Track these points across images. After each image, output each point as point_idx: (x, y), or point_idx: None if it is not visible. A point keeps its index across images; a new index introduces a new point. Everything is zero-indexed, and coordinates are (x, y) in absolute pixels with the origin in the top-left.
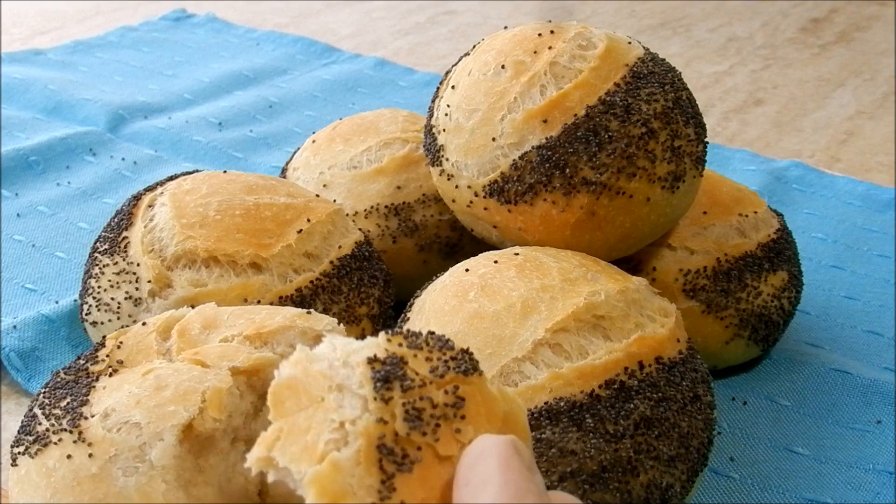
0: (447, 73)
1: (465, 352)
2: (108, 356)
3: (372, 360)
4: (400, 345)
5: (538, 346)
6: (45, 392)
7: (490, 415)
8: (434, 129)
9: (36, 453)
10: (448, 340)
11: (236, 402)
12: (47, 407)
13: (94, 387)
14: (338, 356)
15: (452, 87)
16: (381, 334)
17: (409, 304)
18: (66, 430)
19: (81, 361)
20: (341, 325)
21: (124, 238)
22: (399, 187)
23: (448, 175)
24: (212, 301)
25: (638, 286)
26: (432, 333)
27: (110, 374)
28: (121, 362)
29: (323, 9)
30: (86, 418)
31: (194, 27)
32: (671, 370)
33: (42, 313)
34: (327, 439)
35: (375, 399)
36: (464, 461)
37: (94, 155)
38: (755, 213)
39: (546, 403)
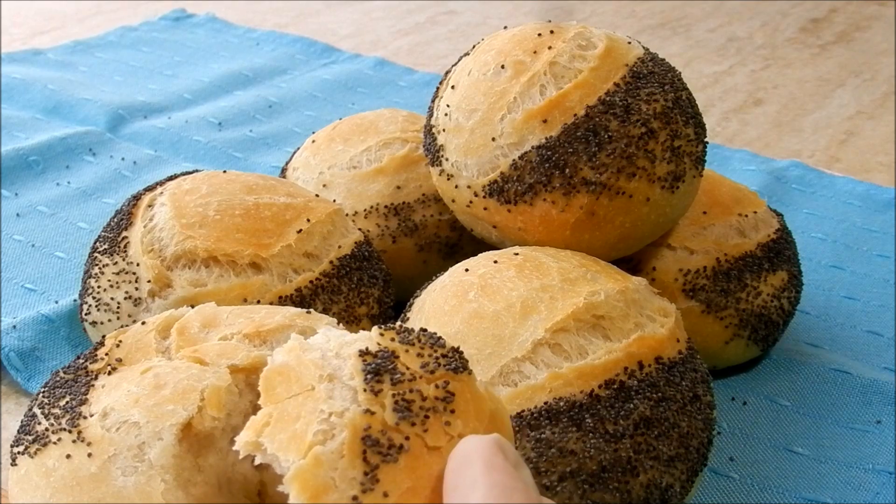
0: (447, 73)
1: (456, 350)
2: (107, 355)
3: (364, 353)
4: (392, 339)
5: (538, 346)
6: (44, 391)
7: (478, 412)
8: (434, 129)
9: (35, 453)
10: (440, 338)
11: (235, 400)
12: (46, 406)
13: (93, 386)
14: (331, 347)
15: (452, 87)
16: (375, 329)
17: (409, 304)
18: (65, 429)
19: (81, 360)
20: (341, 324)
21: (124, 238)
22: (399, 187)
23: (448, 175)
24: (211, 301)
25: (638, 286)
26: (424, 331)
27: (109, 373)
28: (120, 360)
29: (323, 9)
30: (85, 418)
31: (194, 27)
32: (671, 370)
33: (42, 313)
34: (315, 430)
35: (365, 391)
36: (450, 465)
37: (93, 155)
38: (755, 213)
39: (546, 403)
